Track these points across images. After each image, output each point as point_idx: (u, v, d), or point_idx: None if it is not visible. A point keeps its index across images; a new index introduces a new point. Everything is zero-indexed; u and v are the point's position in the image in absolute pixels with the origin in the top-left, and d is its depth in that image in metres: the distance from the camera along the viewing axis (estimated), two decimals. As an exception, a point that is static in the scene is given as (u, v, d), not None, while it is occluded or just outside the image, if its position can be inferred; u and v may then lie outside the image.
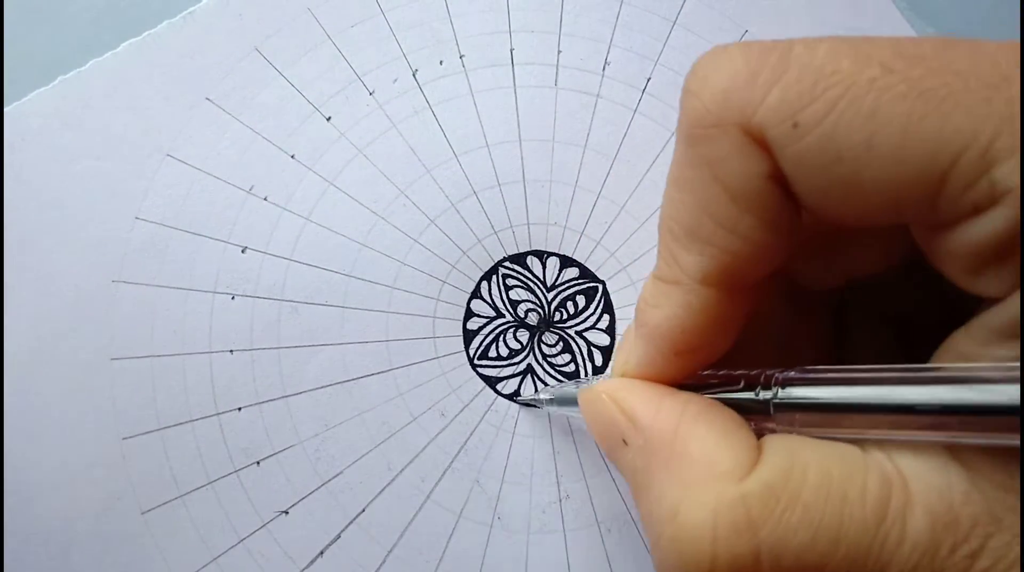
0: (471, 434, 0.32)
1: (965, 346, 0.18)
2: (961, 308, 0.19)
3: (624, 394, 0.23)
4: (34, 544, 0.30)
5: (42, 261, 0.32)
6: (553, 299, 0.34)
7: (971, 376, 0.17)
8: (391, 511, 0.31)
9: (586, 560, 0.31)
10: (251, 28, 0.35)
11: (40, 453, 0.31)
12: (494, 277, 0.34)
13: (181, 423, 0.32)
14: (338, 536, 0.31)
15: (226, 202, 0.34)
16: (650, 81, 0.36)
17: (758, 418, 0.21)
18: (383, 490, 0.32)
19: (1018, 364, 0.17)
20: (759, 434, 0.21)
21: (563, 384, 0.31)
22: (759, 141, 0.19)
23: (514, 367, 0.33)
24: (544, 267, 0.34)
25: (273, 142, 0.34)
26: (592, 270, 0.34)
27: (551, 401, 0.30)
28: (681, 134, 0.20)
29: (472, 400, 0.33)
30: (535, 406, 0.32)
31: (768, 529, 0.18)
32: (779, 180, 0.19)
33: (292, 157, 0.34)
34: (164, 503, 0.31)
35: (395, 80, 0.35)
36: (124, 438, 0.31)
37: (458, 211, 0.34)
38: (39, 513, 0.30)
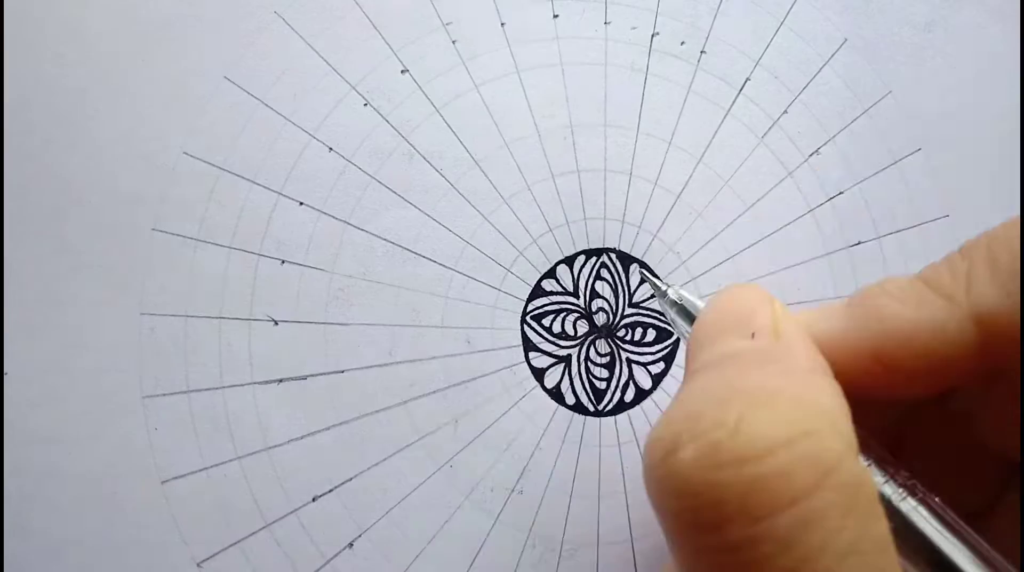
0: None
1: None
2: None
3: (788, 312, 0.20)
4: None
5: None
6: (628, 315, 0.32)
7: None
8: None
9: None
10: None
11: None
12: (594, 258, 0.32)
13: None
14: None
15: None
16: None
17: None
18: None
19: None
20: None
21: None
22: None
23: (555, 347, 0.32)
24: (641, 282, 0.32)
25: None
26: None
27: (675, 305, 0.27)
28: None
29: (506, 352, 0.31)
30: (654, 292, 0.29)
31: (829, 500, 0.16)
32: None
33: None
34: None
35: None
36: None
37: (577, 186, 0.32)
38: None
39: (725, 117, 0.33)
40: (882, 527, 0.16)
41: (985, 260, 0.19)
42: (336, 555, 0.29)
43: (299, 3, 0.31)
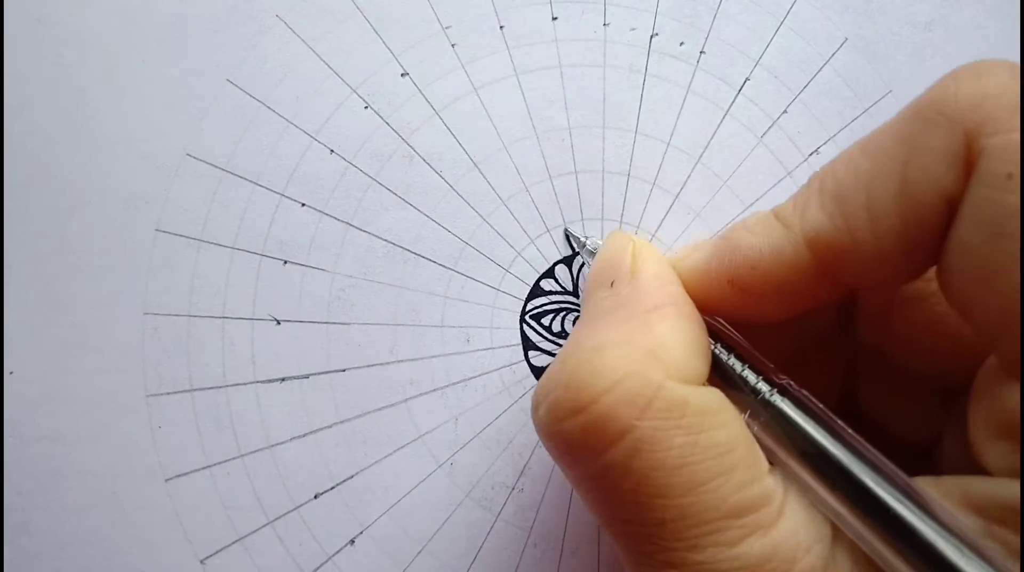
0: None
1: (948, 494, 0.18)
2: None
3: (648, 253, 0.23)
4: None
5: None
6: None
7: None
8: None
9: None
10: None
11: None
12: (591, 258, 0.32)
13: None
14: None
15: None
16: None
17: (732, 392, 0.21)
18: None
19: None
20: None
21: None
22: (969, 161, 0.18)
23: (555, 346, 0.32)
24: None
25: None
26: None
27: (589, 252, 0.30)
28: (912, 108, 0.19)
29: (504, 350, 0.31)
30: (573, 246, 0.32)
31: (651, 426, 0.19)
32: (950, 212, 0.18)
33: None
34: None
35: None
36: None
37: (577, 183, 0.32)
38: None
39: (724, 117, 0.33)
40: (719, 434, 0.19)
41: (816, 190, 0.21)
42: (338, 552, 0.30)
43: (301, 7, 0.31)
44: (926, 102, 0.19)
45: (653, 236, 0.33)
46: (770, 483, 0.19)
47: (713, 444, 0.19)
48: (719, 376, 0.22)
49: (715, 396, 0.20)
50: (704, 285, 0.22)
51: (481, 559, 0.31)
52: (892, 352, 0.24)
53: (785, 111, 0.33)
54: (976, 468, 0.19)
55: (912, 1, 0.34)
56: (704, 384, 0.21)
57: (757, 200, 0.33)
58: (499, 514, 0.31)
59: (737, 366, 0.22)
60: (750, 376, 0.22)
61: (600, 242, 0.29)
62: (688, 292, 0.23)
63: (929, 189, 0.18)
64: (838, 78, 0.34)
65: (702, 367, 0.21)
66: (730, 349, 0.22)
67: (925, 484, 0.19)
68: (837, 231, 0.20)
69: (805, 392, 0.21)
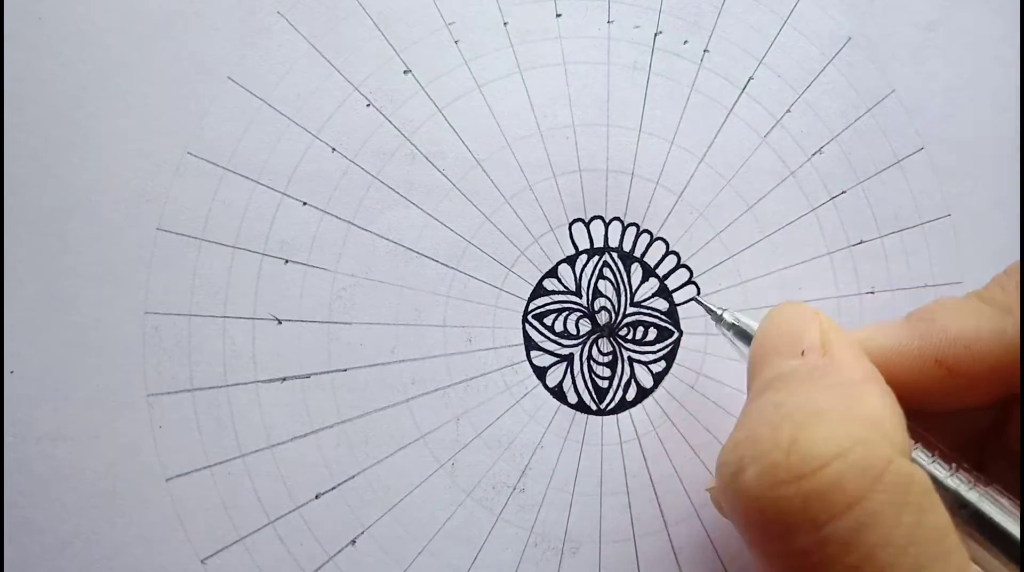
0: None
1: None
2: None
3: (837, 327, 0.22)
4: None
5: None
6: (630, 314, 0.32)
7: None
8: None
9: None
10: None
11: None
12: (596, 258, 0.32)
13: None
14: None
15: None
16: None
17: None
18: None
19: None
20: None
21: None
22: None
23: (557, 346, 0.32)
24: (642, 282, 0.32)
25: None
26: (679, 316, 0.33)
27: (733, 327, 0.29)
28: None
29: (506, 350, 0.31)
30: (711, 316, 0.30)
31: (882, 500, 0.18)
32: None
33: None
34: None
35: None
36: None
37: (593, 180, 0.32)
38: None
39: (728, 116, 0.33)
40: (938, 517, 0.18)
41: None
42: (339, 552, 0.30)
43: (302, 4, 0.31)
44: None
45: (656, 235, 0.33)
46: (976, 570, 0.19)
47: (937, 526, 0.18)
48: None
49: (928, 477, 0.19)
50: (906, 365, 0.22)
51: (482, 559, 0.31)
52: None
53: (788, 110, 0.33)
54: None
55: (915, 1, 0.34)
56: None
57: (760, 199, 0.33)
58: (500, 514, 0.31)
59: (926, 455, 0.21)
60: (940, 468, 0.21)
61: (738, 315, 0.29)
62: (883, 372, 0.22)
63: None
64: (841, 77, 0.34)
65: (908, 447, 0.20)
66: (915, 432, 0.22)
67: None
68: None
69: (996, 485, 0.21)
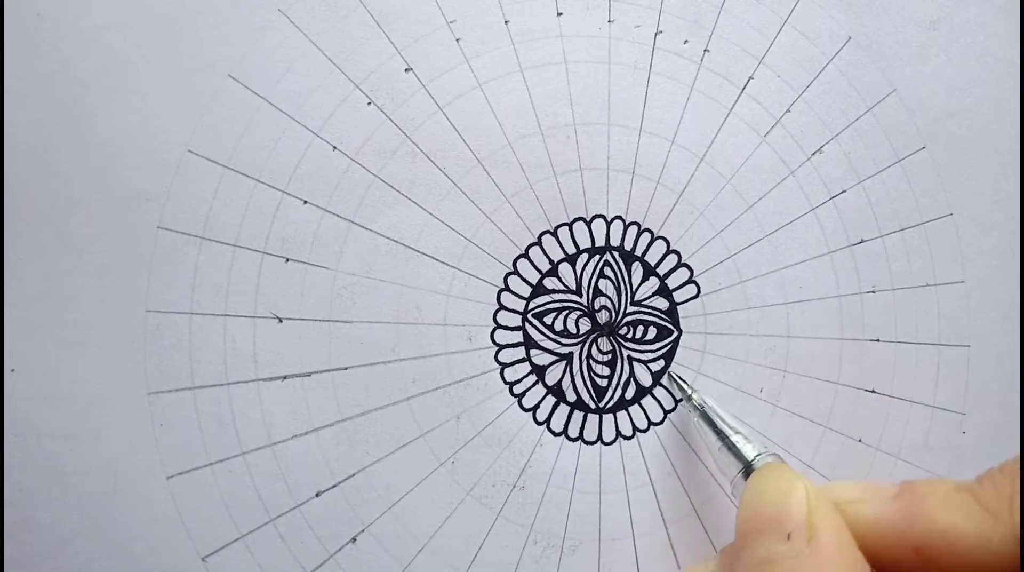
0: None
1: None
2: None
3: (825, 507, 0.23)
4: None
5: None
6: (630, 313, 0.32)
7: None
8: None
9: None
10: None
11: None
12: (597, 257, 0.32)
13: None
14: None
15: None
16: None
17: None
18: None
19: None
20: None
21: (729, 418, 0.30)
22: None
23: (556, 345, 0.32)
24: (643, 281, 0.33)
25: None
26: (678, 315, 0.33)
27: (703, 414, 0.30)
28: None
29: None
30: (678, 396, 0.32)
31: None
32: None
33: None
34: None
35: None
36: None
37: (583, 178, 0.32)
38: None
39: (728, 115, 0.33)
40: None
41: None
42: (339, 550, 0.30)
43: (303, 1, 0.31)
44: None
45: (657, 234, 0.33)
46: None
47: None
48: None
49: None
50: (888, 545, 0.22)
51: (482, 557, 0.31)
52: None
53: (788, 110, 0.33)
54: None
55: (917, -1, 0.34)
56: None
57: (760, 199, 0.33)
58: (500, 512, 0.31)
59: None
60: None
61: (706, 399, 0.30)
62: (862, 546, 0.23)
63: None
64: (841, 77, 0.34)
65: None
66: None
67: None
68: None
69: None
